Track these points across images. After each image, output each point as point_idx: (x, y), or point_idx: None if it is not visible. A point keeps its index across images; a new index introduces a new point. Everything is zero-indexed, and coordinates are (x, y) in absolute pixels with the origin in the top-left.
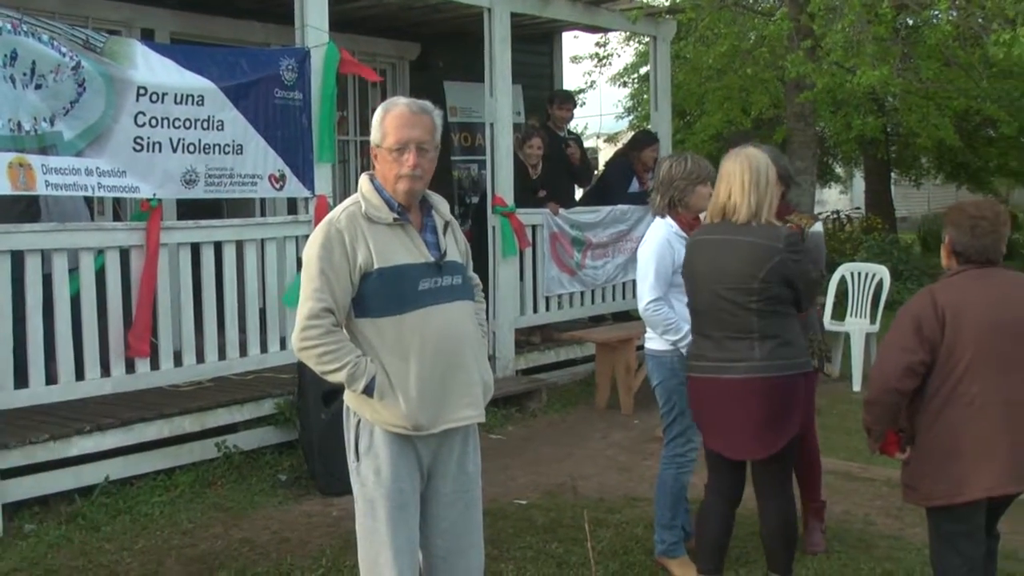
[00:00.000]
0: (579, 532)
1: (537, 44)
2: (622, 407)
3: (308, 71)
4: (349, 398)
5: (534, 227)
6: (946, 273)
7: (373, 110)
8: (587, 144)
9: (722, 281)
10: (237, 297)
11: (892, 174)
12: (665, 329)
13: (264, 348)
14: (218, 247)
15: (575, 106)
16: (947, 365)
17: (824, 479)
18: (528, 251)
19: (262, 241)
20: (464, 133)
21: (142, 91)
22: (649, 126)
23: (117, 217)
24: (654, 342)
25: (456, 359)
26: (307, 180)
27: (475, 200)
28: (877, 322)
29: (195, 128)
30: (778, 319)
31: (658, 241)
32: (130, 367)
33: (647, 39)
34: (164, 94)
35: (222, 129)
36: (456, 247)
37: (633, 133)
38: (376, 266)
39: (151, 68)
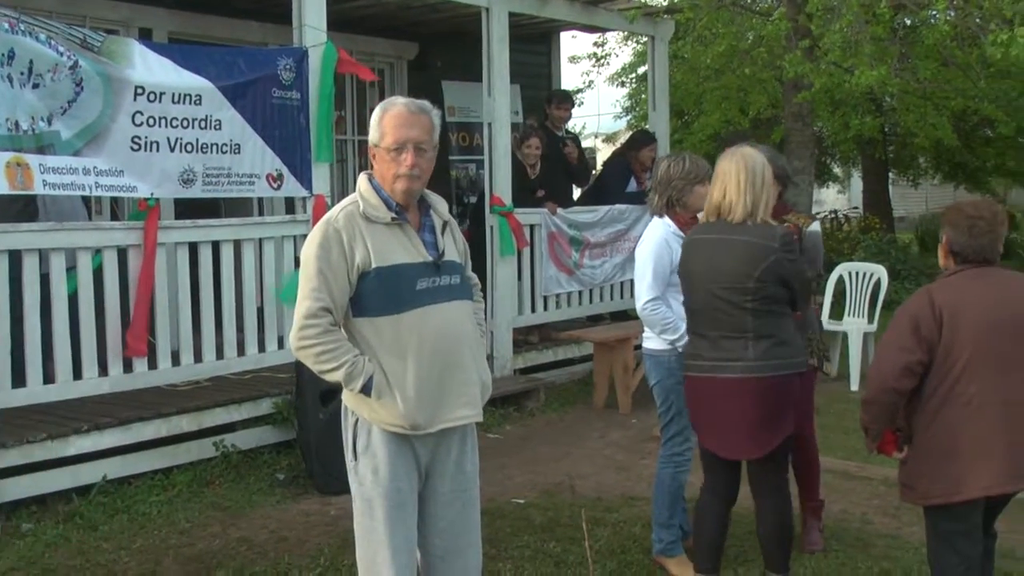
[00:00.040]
0: (577, 531)
1: (535, 44)
2: (620, 406)
3: (306, 71)
4: (347, 397)
5: (532, 227)
6: (944, 273)
7: (371, 110)
8: (585, 144)
9: (717, 280)
10: (235, 296)
11: (890, 174)
12: (663, 328)
13: (262, 347)
14: (216, 246)
15: (573, 106)
16: (945, 365)
17: (822, 478)
18: (526, 251)
19: (260, 240)
20: (462, 133)
21: (140, 90)
22: (647, 126)
23: (115, 216)
24: (652, 341)
25: (454, 359)
26: (305, 180)
27: (473, 200)
28: (875, 322)
29: (193, 127)
30: (773, 319)
31: (656, 241)
32: (128, 367)
33: (645, 39)
34: (162, 93)
35: (220, 129)
36: (454, 247)
37: (631, 133)
38: (374, 265)
39: (149, 67)
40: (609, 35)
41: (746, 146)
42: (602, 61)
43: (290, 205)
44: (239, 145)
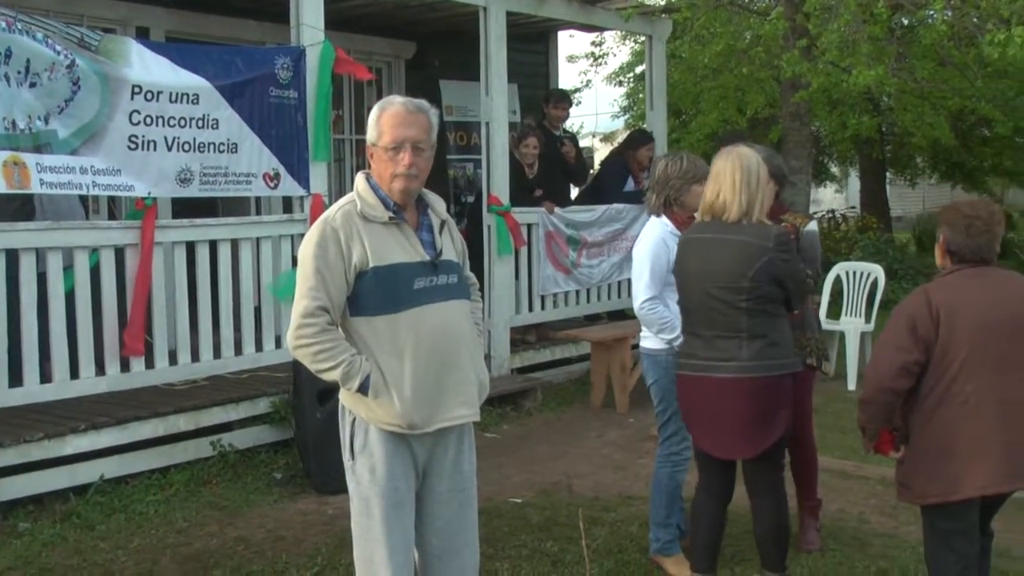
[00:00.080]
0: (574, 531)
1: (533, 43)
2: (617, 406)
3: (303, 70)
4: (344, 397)
5: (529, 226)
6: (941, 272)
7: (369, 109)
8: (583, 143)
9: (712, 280)
10: (232, 296)
11: (887, 174)
12: (660, 328)
13: (259, 347)
14: (213, 246)
15: (571, 105)
16: (942, 364)
17: (819, 477)
18: (524, 250)
19: (257, 240)
20: (460, 132)
21: (137, 89)
22: (644, 125)
23: (112, 216)
24: (649, 341)
25: (451, 358)
26: (302, 179)
27: (471, 199)
28: (872, 321)
29: (190, 127)
30: (767, 319)
31: (653, 240)
32: (125, 366)
33: (643, 38)
34: (159, 92)
35: (217, 128)
36: (452, 246)
37: (628, 132)
38: (371, 265)
39: (146, 66)
40: (607, 34)
41: (741, 146)
42: (600, 60)
43: (287, 204)
44: (236, 144)
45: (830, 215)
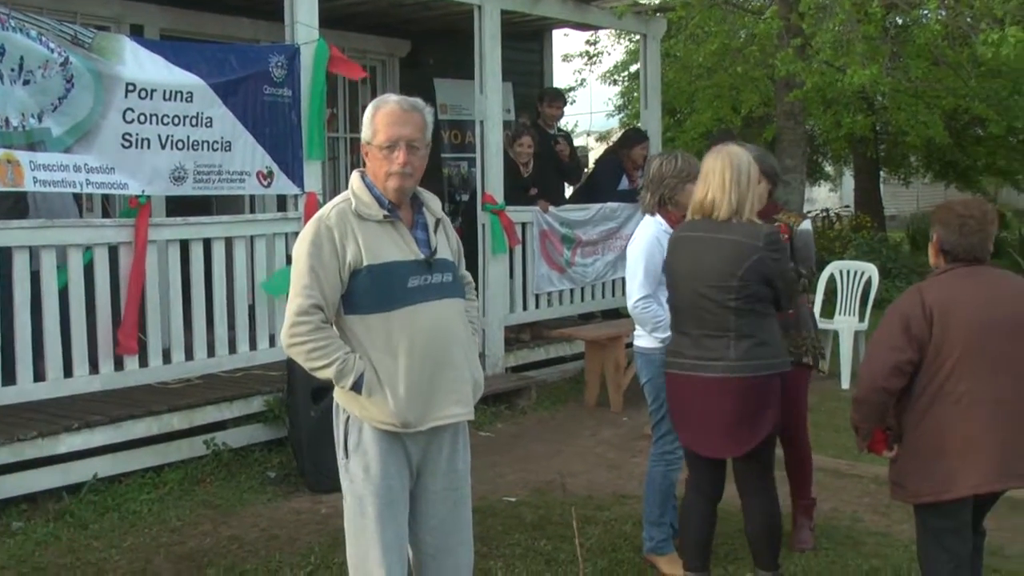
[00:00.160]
0: (568, 529)
1: (527, 41)
2: (611, 405)
3: (297, 68)
4: (338, 395)
5: (524, 225)
6: (934, 271)
7: (363, 107)
8: (577, 142)
9: (702, 278)
10: (226, 294)
11: (881, 173)
12: (654, 327)
13: (253, 345)
14: (207, 244)
15: (565, 104)
16: (935, 363)
17: (813, 476)
18: (518, 249)
19: (251, 238)
20: (454, 131)
21: (131, 87)
22: (639, 124)
23: (106, 213)
24: (643, 340)
25: (445, 357)
26: (296, 177)
27: (465, 198)
28: (866, 320)
29: (184, 125)
30: (756, 318)
31: (647, 239)
32: (119, 364)
33: (637, 37)
34: (153, 90)
35: (211, 126)
36: (447, 245)
37: (623, 131)
38: (365, 263)
39: (140, 64)
40: (601, 33)
41: (732, 144)
42: (594, 59)
43: (282, 203)
44: (230, 143)
45: (824, 214)
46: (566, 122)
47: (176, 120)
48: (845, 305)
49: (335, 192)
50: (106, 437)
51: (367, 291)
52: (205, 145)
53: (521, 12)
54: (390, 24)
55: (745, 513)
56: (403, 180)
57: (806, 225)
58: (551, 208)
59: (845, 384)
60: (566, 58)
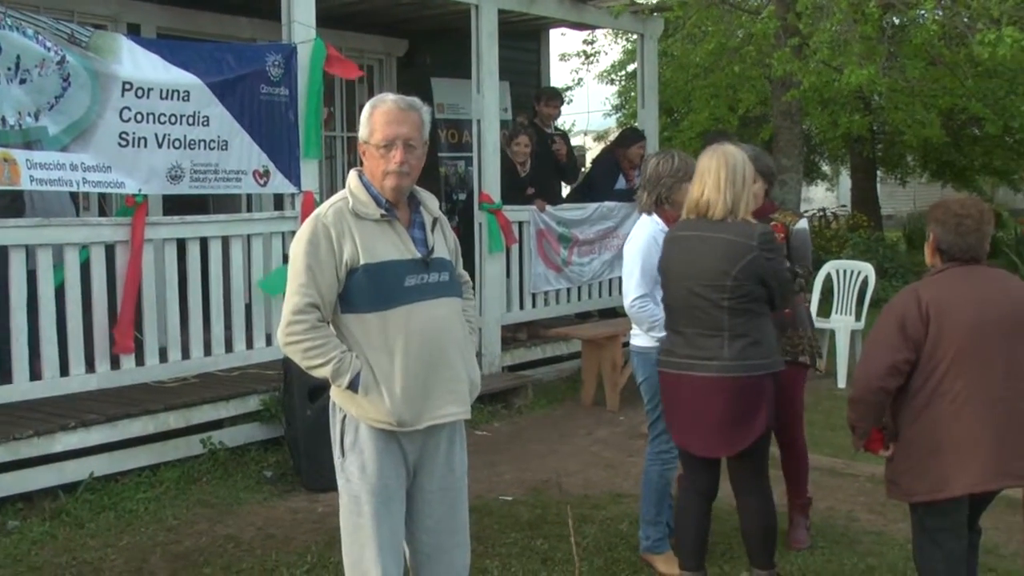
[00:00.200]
0: (564, 528)
1: (524, 41)
2: (608, 404)
3: (294, 67)
4: (335, 394)
5: (521, 224)
6: (930, 271)
7: (360, 106)
8: (574, 141)
9: (696, 277)
10: (223, 293)
11: (878, 172)
12: (651, 326)
13: (250, 344)
14: (204, 243)
15: (562, 103)
16: (931, 362)
17: (809, 475)
18: (515, 248)
19: (248, 237)
20: (451, 130)
21: (127, 86)
22: (636, 123)
23: (103, 212)
24: (640, 339)
25: (441, 356)
26: (293, 176)
27: (462, 197)
28: (862, 319)
29: (181, 124)
30: (749, 318)
31: (644, 238)
32: (115, 363)
33: (634, 36)
34: (150, 89)
35: (207, 125)
36: (444, 244)
37: (620, 130)
38: (362, 262)
39: (137, 63)
40: (598, 32)
41: (727, 143)
42: (591, 59)
43: (279, 201)
44: (227, 142)
45: (821, 213)
46: (563, 121)
47: (173, 119)
48: (841, 304)
49: (332, 191)
50: (102, 436)
51: (364, 290)
52: (202, 144)
53: (518, 11)
54: (387, 23)
55: (740, 512)
56: (400, 179)
57: (802, 224)
58: (548, 207)
59: (841, 383)
60: (563, 57)
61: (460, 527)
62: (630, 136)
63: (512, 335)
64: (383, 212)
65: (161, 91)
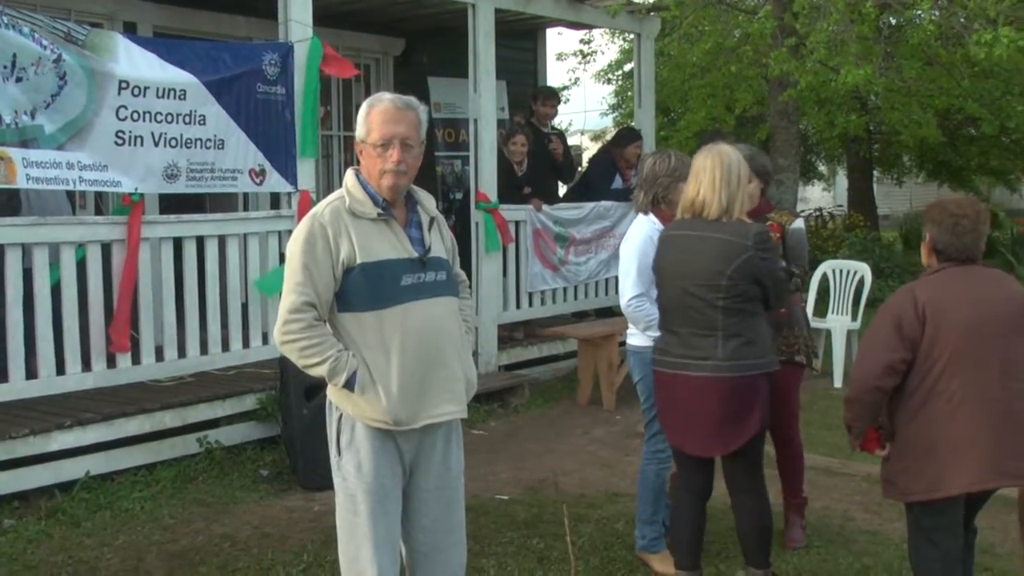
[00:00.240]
0: (560, 527)
1: (521, 40)
2: (604, 403)
3: (291, 66)
4: (331, 393)
5: (517, 223)
6: (927, 271)
7: (357, 105)
8: (571, 141)
9: (690, 277)
10: (219, 292)
11: (875, 172)
12: (647, 325)
13: (246, 343)
14: (200, 242)
15: (559, 102)
16: (927, 362)
17: (805, 475)
18: (511, 247)
19: (244, 236)
20: (448, 129)
21: (124, 85)
22: (633, 123)
23: (99, 211)
24: (636, 338)
25: (438, 355)
26: (290, 175)
27: (459, 196)
28: (858, 319)
29: (177, 122)
30: (744, 318)
31: (641, 238)
32: (111, 362)
33: (631, 36)
34: (146, 88)
35: (204, 124)
36: (442, 243)
37: (617, 130)
38: (359, 261)
39: (133, 62)
40: (595, 32)
41: (722, 143)
42: (588, 58)
43: (275, 201)
44: (223, 140)
45: (818, 213)
46: (560, 121)
47: (169, 118)
48: (838, 304)
49: (328, 190)
50: (98, 435)
51: (360, 289)
52: (198, 143)
53: (515, 11)
54: (384, 22)
55: (735, 511)
56: (397, 178)
57: (799, 224)
58: (545, 207)
59: (837, 383)
60: (560, 57)
61: (456, 526)
62: (627, 135)
63: (508, 334)
64: (380, 211)
65: (157, 90)
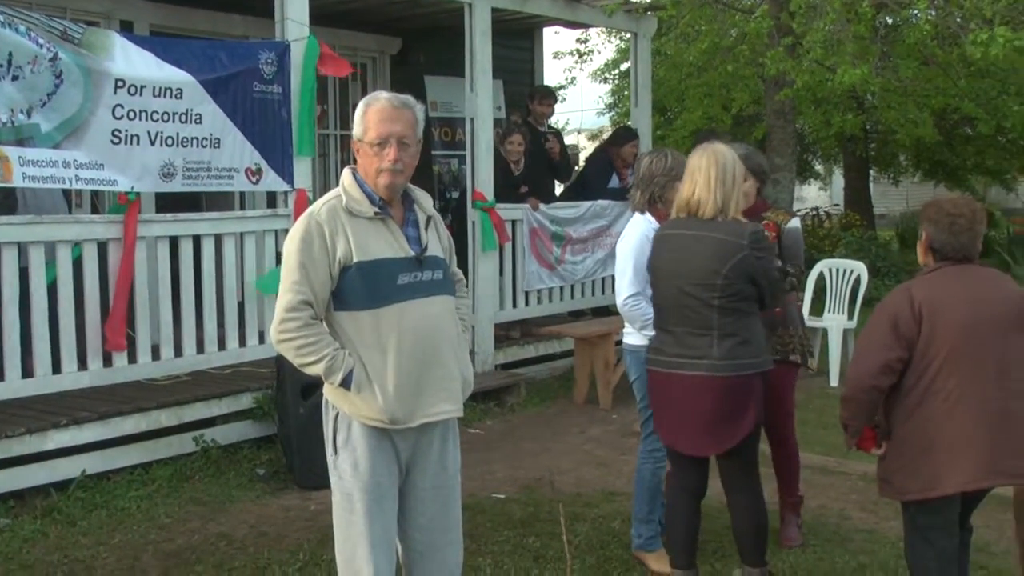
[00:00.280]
0: (556, 526)
1: (518, 39)
2: (600, 402)
3: (288, 65)
4: (328, 391)
5: (514, 222)
6: (923, 270)
7: (354, 104)
8: (568, 140)
9: (686, 276)
10: (216, 291)
11: (871, 171)
12: (643, 324)
13: (242, 342)
14: (197, 240)
15: (556, 101)
16: (923, 361)
17: (801, 474)
18: (508, 246)
19: (241, 235)
20: (444, 128)
21: (120, 83)
22: (629, 122)
23: (95, 210)
24: (632, 337)
25: (434, 354)
26: (286, 174)
27: (455, 195)
28: (855, 318)
29: (173, 121)
30: (739, 317)
31: (637, 237)
32: (107, 361)
33: (628, 35)
34: (142, 87)
35: (200, 123)
36: (438, 242)
37: (614, 129)
38: (355, 260)
39: (129, 60)
40: (592, 31)
41: (717, 142)
42: (585, 57)
43: (272, 199)
44: (219, 139)
45: (814, 212)
46: (557, 120)
47: (166, 116)
48: (834, 303)
49: (325, 189)
50: (94, 434)
51: (357, 288)
52: (194, 142)
53: (512, 10)
54: (381, 21)
55: (731, 510)
56: (394, 177)
57: (794, 223)
58: (541, 206)
59: (833, 382)
60: (557, 56)
61: (453, 525)
62: (623, 135)
63: (505, 333)
64: (377, 210)
65: (154, 88)
